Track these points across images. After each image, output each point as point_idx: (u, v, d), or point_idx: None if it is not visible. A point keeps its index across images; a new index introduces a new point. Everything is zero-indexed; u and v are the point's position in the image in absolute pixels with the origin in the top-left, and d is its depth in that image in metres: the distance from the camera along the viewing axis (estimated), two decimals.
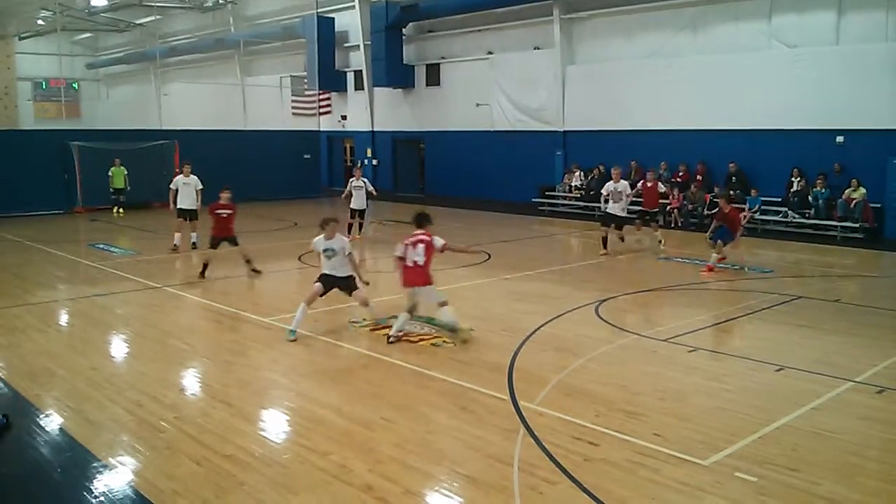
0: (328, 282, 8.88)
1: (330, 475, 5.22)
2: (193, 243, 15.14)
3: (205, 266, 12.34)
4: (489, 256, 14.19)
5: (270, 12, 33.24)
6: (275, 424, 6.39)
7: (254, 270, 12.57)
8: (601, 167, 21.57)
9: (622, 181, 14.96)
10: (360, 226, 17.01)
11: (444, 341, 8.53)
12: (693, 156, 20.33)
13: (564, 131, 23.89)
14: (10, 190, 21.06)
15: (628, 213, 15.17)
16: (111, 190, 21.96)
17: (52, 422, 6.32)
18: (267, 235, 18.01)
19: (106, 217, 21.43)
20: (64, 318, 10.30)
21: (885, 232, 17.12)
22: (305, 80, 30.68)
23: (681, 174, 20.43)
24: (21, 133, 27.01)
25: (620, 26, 22.29)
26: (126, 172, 21.93)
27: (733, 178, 19.16)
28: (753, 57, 19.09)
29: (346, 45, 30.41)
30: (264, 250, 15.52)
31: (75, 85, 45.17)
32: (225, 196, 12.50)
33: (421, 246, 8.38)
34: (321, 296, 8.93)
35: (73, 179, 22.41)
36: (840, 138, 17.92)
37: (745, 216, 16.13)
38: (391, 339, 8.45)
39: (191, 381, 7.57)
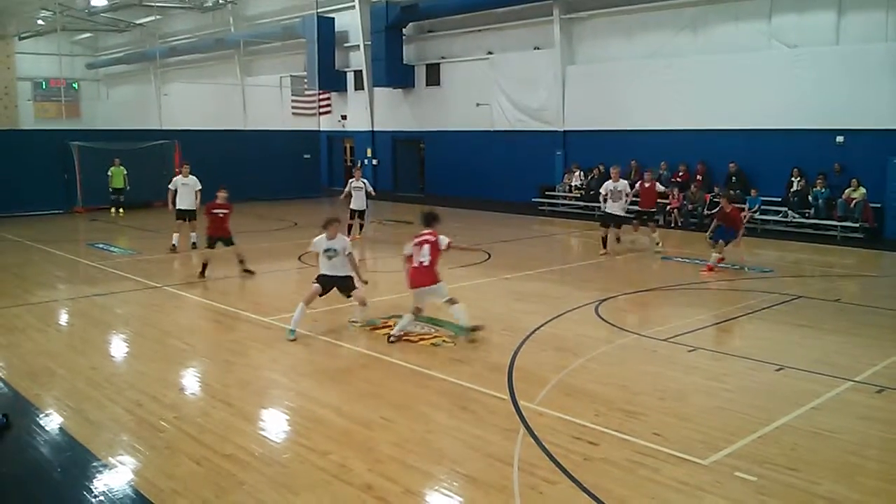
0: (327, 282, 8.89)
1: (330, 475, 5.22)
2: (193, 243, 15.13)
3: (204, 266, 12.34)
4: (489, 256, 14.19)
5: (270, 12, 33.24)
6: (275, 424, 6.39)
7: (246, 271, 12.54)
8: (601, 167, 21.56)
9: (621, 180, 14.93)
10: (361, 226, 17.02)
11: (444, 341, 8.53)
12: (693, 156, 20.33)
13: (564, 131, 23.89)
14: (10, 190, 21.06)
15: (627, 212, 15.16)
16: (110, 190, 21.97)
17: (51, 421, 6.33)
18: (267, 235, 18.02)
19: (105, 217, 21.44)
20: (64, 318, 10.30)
21: (884, 232, 17.12)
22: (305, 80, 30.68)
23: (681, 174, 20.43)
24: (21, 133, 27.02)
25: (620, 26, 22.29)
26: (125, 172, 21.94)
27: (733, 177, 19.16)
28: (753, 57, 19.09)
29: (346, 45, 30.41)
30: (264, 250, 15.53)
31: (75, 85, 45.17)
32: (222, 195, 12.50)
33: (426, 247, 8.37)
34: (320, 296, 8.94)
35: (72, 179, 22.41)
36: (840, 138, 17.92)
37: (745, 216, 16.13)
38: (392, 339, 8.45)
39: (190, 381, 7.57)
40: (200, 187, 14.72)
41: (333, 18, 29.70)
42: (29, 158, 21.65)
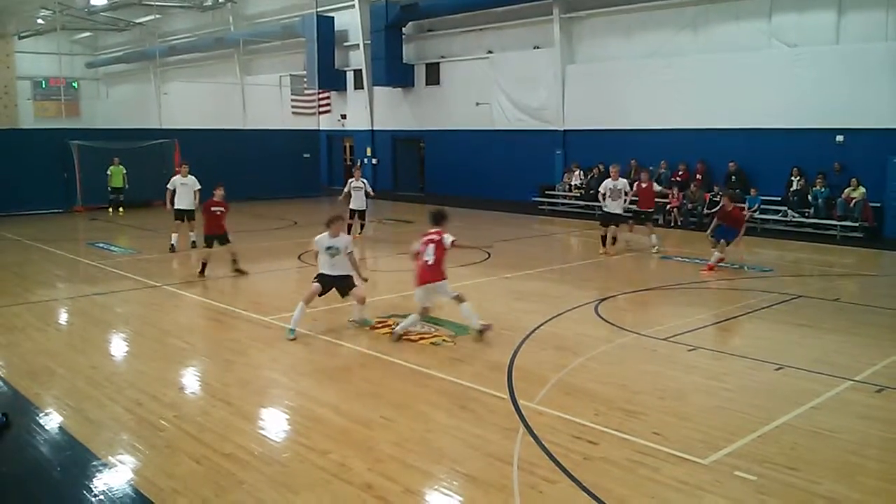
0: (326, 281, 8.89)
1: (329, 474, 5.22)
2: (193, 242, 15.12)
3: (204, 265, 12.34)
4: (489, 255, 14.19)
5: (270, 11, 33.23)
6: (274, 423, 6.39)
7: (238, 270, 12.49)
8: (601, 166, 21.55)
9: (621, 179, 14.89)
10: (362, 226, 17.01)
11: (444, 340, 8.53)
12: (693, 155, 20.33)
13: (564, 130, 23.89)
14: (10, 189, 21.06)
15: (626, 212, 15.12)
16: (109, 189, 21.96)
17: (51, 420, 6.33)
18: (266, 234, 18.02)
19: (105, 216, 21.43)
20: (63, 317, 10.30)
21: (884, 231, 17.12)
22: (305, 80, 30.67)
23: (680, 173, 20.43)
24: (21, 132, 26.99)
25: (620, 25, 22.29)
26: (125, 171, 21.94)
27: (733, 177, 19.16)
28: (754, 56, 19.09)
29: (345, 44, 30.40)
30: (264, 249, 15.54)
31: (75, 84, 45.14)
32: (219, 193, 12.48)
33: (431, 246, 8.43)
34: (319, 295, 8.93)
35: (72, 178, 22.41)
36: (840, 137, 17.92)
37: (746, 215, 16.13)
38: (394, 337, 8.47)
39: (190, 380, 7.57)
40: (199, 187, 14.68)
41: (333, 17, 29.70)
42: (29, 157, 21.65)
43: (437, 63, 27.82)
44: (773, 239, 17.03)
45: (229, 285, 12.04)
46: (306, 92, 30.77)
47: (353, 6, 29.02)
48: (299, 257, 14.09)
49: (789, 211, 18.14)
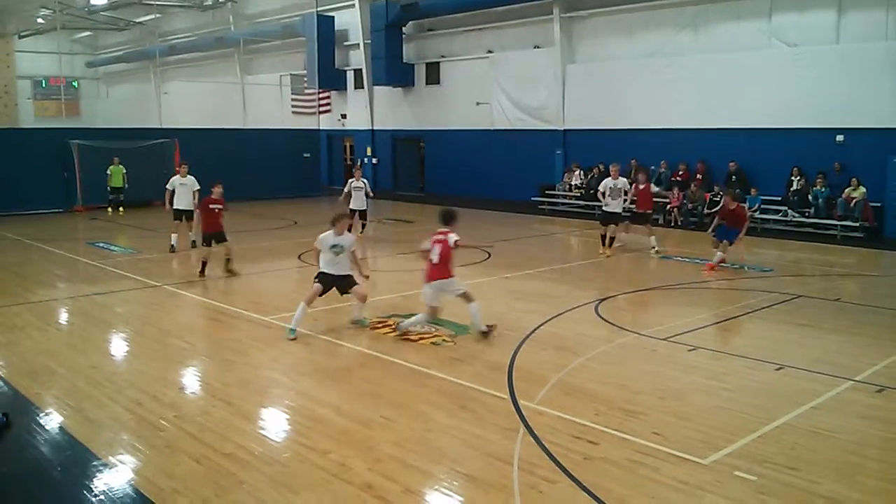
0: (327, 280, 8.88)
1: (329, 474, 5.22)
2: (193, 241, 15.11)
3: (204, 264, 12.33)
4: (489, 255, 14.19)
5: (270, 11, 33.22)
6: (274, 423, 6.39)
7: (230, 270, 12.42)
8: (601, 166, 21.54)
9: (621, 178, 14.82)
10: (363, 225, 17.01)
11: (444, 340, 8.54)
12: (693, 155, 20.33)
13: (564, 130, 23.88)
14: (10, 188, 21.06)
15: (625, 211, 15.07)
16: (109, 189, 21.95)
17: (51, 420, 6.33)
18: (267, 234, 18.02)
19: (104, 216, 21.43)
20: (64, 317, 10.30)
21: (884, 231, 17.12)
22: (305, 79, 30.66)
23: (681, 173, 20.43)
24: (21, 132, 27.00)
25: (621, 25, 22.28)
26: (125, 171, 21.93)
27: (733, 177, 19.16)
28: (754, 56, 19.09)
29: (345, 43, 30.39)
30: (264, 249, 15.54)
31: (75, 83, 45.13)
32: (217, 191, 12.44)
33: (438, 246, 8.50)
34: (320, 295, 8.92)
35: (72, 178, 22.41)
36: (840, 137, 17.91)
37: (748, 215, 16.10)
38: (399, 332, 8.57)
39: (190, 380, 7.57)
40: (198, 188, 14.59)
41: (333, 17, 29.69)
42: (29, 157, 21.65)
43: (438, 63, 27.81)
44: (773, 239, 17.02)
45: (229, 285, 12.04)
46: (306, 91, 30.77)
47: (353, 6, 29.01)
48: (299, 257, 14.09)
49: (789, 211, 18.13)
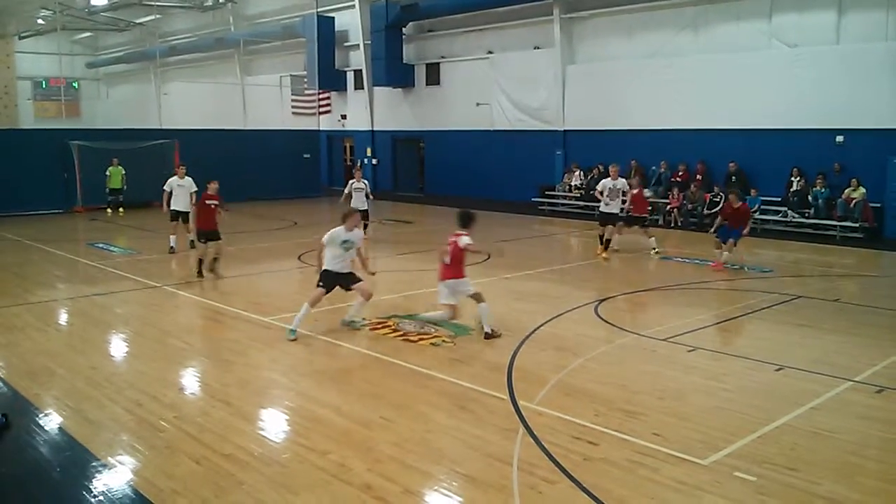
0: (330, 279, 8.83)
1: (329, 474, 5.22)
2: (191, 241, 15.09)
3: (200, 262, 12.28)
4: (489, 256, 14.18)
5: (270, 11, 33.24)
6: (274, 424, 6.39)
7: (212, 270, 12.29)
8: (601, 167, 21.52)
9: (620, 179, 14.77)
10: (365, 226, 16.99)
11: (444, 341, 8.54)
12: (693, 155, 20.33)
13: (564, 131, 23.89)
14: (10, 189, 21.05)
15: (621, 212, 15.03)
16: (108, 190, 21.94)
17: (51, 421, 6.32)
18: (266, 235, 18.01)
19: (104, 216, 21.43)
20: (63, 318, 10.30)
21: (884, 231, 17.12)
22: (305, 80, 30.67)
23: (680, 174, 20.44)
24: (21, 132, 27.00)
25: (621, 26, 22.29)
26: (124, 172, 21.92)
27: (733, 177, 19.15)
28: (754, 56, 19.09)
29: (346, 44, 30.41)
30: (264, 250, 15.54)
31: (75, 84, 45.16)
32: (213, 187, 12.41)
33: (450, 246, 8.65)
34: (324, 295, 8.90)
35: (72, 179, 22.41)
36: (840, 138, 17.92)
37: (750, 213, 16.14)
38: (418, 325, 8.86)
39: (190, 381, 7.57)
40: (196, 189, 14.49)
41: (333, 18, 29.71)
42: (29, 158, 21.64)
43: (438, 63, 27.82)
44: (773, 239, 17.02)
45: (229, 286, 12.03)
46: (306, 92, 30.77)
47: (353, 6, 29.03)
48: (299, 258, 14.09)
49: (789, 211, 18.14)
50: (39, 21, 37.51)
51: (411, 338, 8.63)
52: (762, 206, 18.47)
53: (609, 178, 14.75)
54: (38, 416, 6.40)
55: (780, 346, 8.49)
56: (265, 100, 33.46)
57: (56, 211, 21.94)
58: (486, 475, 5.20)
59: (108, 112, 42.95)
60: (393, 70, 27.92)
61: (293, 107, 31.89)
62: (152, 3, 32.99)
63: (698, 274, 12.91)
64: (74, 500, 4.99)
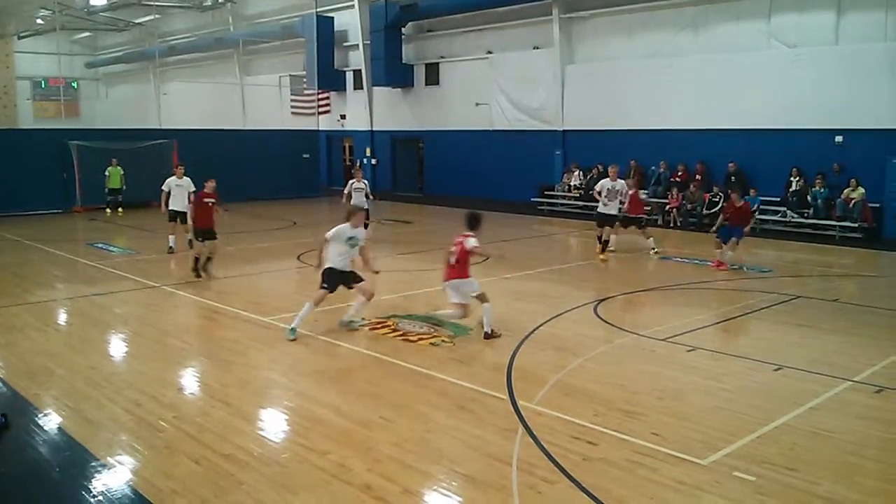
0: (334, 278, 8.81)
1: (329, 474, 5.22)
2: (189, 241, 15.06)
3: (196, 261, 12.26)
4: (488, 256, 14.17)
5: (270, 11, 33.23)
6: (273, 424, 6.39)
7: (205, 270, 12.24)
8: (600, 167, 21.52)
9: (619, 180, 14.71)
10: (366, 226, 16.97)
11: (444, 341, 8.54)
12: (692, 155, 20.34)
13: (564, 131, 23.89)
14: (9, 189, 21.04)
15: (619, 212, 15.01)
16: (107, 190, 21.93)
17: (50, 421, 6.32)
18: (266, 235, 18.00)
19: (103, 216, 21.42)
20: (62, 318, 10.30)
21: (883, 232, 17.14)
22: (304, 80, 30.67)
23: (680, 174, 20.44)
24: (20, 132, 26.98)
25: (620, 26, 22.29)
26: (122, 172, 21.90)
27: (732, 177, 19.16)
28: (753, 56, 19.10)
29: (345, 44, 30.40)
30: (263, 250, 15.53)
31: (74, 84, 45.12)
32: (210, 185, 12.39)
33: (457, 247, 8.69)
34: (328, 295, 8.88)
35: (71, 179, 22.40)
36: (839, 138, 17.93)
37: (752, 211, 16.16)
38: (433, 320, 8.96)
39: (189, 381, 7.56)
40: (194, 189, 14.46)
41: (333, 18, 29.70)
42: (28, 158, 21.62)
43: (437, 63, 27.82)
44: (772, 239, 17.03)
45: (228, 286, 12.02)
46: (306, 92, 30.77)
47: (352, 6, 29.02)
48: (299, 258, 14.08)
49: (788, 211, 18.15)
50: (39, 21, 37.50)
51: (411, 338, 8.63)
52: (761, 206, 18.47)
53: (608, 179, 14.68)
54: (37, 416, 6.40)
55: (779, 346, 8.50)
56: (264, 100, 33.46)
57: (55, 211, 21.93)
58: (486, 475, 5.20)
59: (107, 112, 42.94)
60: (392, 70, 27.92)
61: (292, 107, 31.89)
62: (151, 3, 32.99)
63: (697, 274, 12.92)
64: (74, 500, 4.99)
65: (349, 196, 16.52)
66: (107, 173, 21.72)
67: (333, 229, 8.77)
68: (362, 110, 30.35)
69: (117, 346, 8.93)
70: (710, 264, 13.38)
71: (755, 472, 5.21)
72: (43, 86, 43.65)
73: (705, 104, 20.03)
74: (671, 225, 19.53)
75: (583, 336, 8.91)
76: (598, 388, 6.99)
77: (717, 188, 19.00)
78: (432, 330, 8.94)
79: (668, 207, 19.87)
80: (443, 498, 4.96)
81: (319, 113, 30.40)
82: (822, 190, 17.65)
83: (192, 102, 36.18)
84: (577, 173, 22.85)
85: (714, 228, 13.77)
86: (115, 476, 5.26)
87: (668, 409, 6.48)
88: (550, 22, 23.45)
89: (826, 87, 17.84)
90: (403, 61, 28.37)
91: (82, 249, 15.77)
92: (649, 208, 19.42)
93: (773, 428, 6.01)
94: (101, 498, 4.94)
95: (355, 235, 8.86)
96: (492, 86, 25.62)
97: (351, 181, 16.73)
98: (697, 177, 19.91)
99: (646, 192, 18.31)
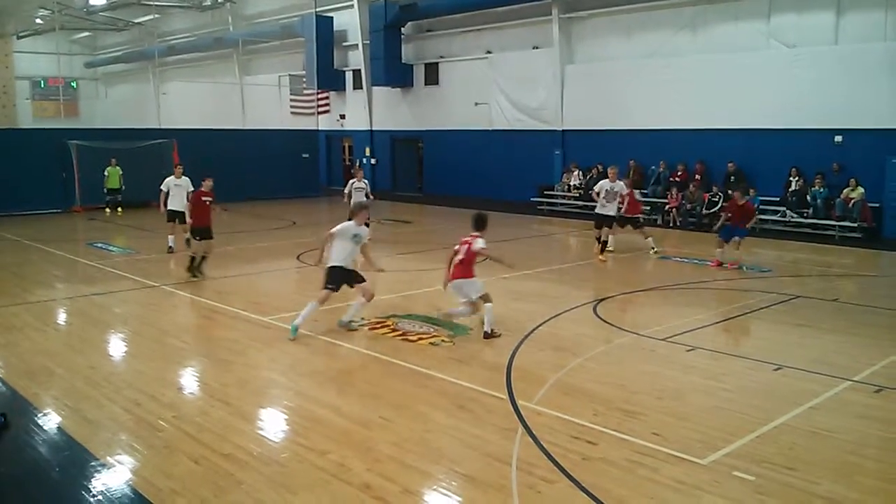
0: (338, 277, 8.79)
1: (328, 474, 5.22)
2: (187, 240, 15.03)
3: (192, 259, 12.24)
4: (487, 257, 14.17)
5: (269, 11, 33.24)
6: (273, 423, 6.38)
7: (199, 269, 12.21)
8: (600, 167, 21.53)
9: (619, 181, 14.66)
10: (367, 224, 16.96)
11: (443, 341, 8.54)
12: (692, 155, 20.34)
13: (563, 130, 23.90)
14: (9, 189, 21.05)
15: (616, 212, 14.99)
16: (105, 190, 21.92)
17: (50, 421, 6.32)
18: (265, 235, 18.00)
19: (102, 216, 21.41)
20: (62, 317, 10.29)
21: (883, 231, 17.14)
22: (304, 80, 30.67)
23: (679, 173, 20.44)
24: (19, 132, 26.97)
25: (619, 25, 22.30)
26: (121, 172, 21.89)
27: (732, 177, 19.18)
28: (752, 56, 19.11)
29: (344, 44, 30.41)
30: (263, 249, 15.52)
31: (74, 84, 45.13)
32: (207, 184, 12.38)
33: (465, 246, 8.76)
34: (332, 294, 8.87)
35: (71, 178, 22.40)
36: (838, 138, 17.94)
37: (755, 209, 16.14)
38: (441, 315, 8.98)
39: (189, 380, 7.56)
40: (192, 189, 14.44)
41: (332, 17, 29.71)
42: (27, 158, 21.63)
43: (436, 63, 27.82)
44: (771, 239, 17.03)
45: (228, 285, 12.02)
46: (305, 92, 30.77)
47: (352, 6, 29.02)
48: (298, 257, 14.08)
49: (788, 211, 18.15)
50: (38, 21, 37.48)
51: (410, 337, 8.63)
52: (761, 206, 18.44)
53: (607, 180, 14.63)
54: (36, 415, 6.40)
55: (778, 346, 8.50)
56: (264, 99, 33.47)
57: (54, 211, 21.93)
58: (485, 475, 5.20)
59: (106, 112, 42.93)
60: (392, 70, 27.92)
61: (292, 107, 31.89)
62: (151, 3, 32.99)
63: (697, 274, 12.92)
64: (73, 500, 4.99)
65: (350, 196, 16.54)
66: (105, 173, 21.74)
67: (338, 226, 8.80)
68: (362, 110, 30.35)
69: (117, 346, 8.92)
70: (710, 264, 13.41)
71: (755, 471, 5.21)
72: (42, 85, 43.66)
73: (705, 104, 20.04)
74: (671, 225, 19.54)
75: (582, 336, 8.91)
76: (598, 388, 6.99)
77: (716, 188, 19.01)
78: (432, 330, 8.94)
79: (667, 207, 19.88)
80: (442, 498, 4.96)
81: (319, 113, 30.39)
82: (822, 190, 17.66)
83: (191, 102, 36.18)
84: (576, 173, 22.86)
85: (717, 227, 13.80)
86: (114, 475, 5.25)
87: (668, 408, 6.48)
88: (550, 22, 23.45)
89: (825, 87, 17.85)
90: (403, 61, 28.37)
91: (82, 249, 15.77)
92: (648, 208, 19.44)
93: (772, 427, 6.01)
94: (100, 497, 4.93)
95: (359, 233, 8.91)
96: (491, 86, 25.63)
97: (351, 181, 16.72)
98: (697, 177, 19.91)
99: (644, 191, 18.32)
